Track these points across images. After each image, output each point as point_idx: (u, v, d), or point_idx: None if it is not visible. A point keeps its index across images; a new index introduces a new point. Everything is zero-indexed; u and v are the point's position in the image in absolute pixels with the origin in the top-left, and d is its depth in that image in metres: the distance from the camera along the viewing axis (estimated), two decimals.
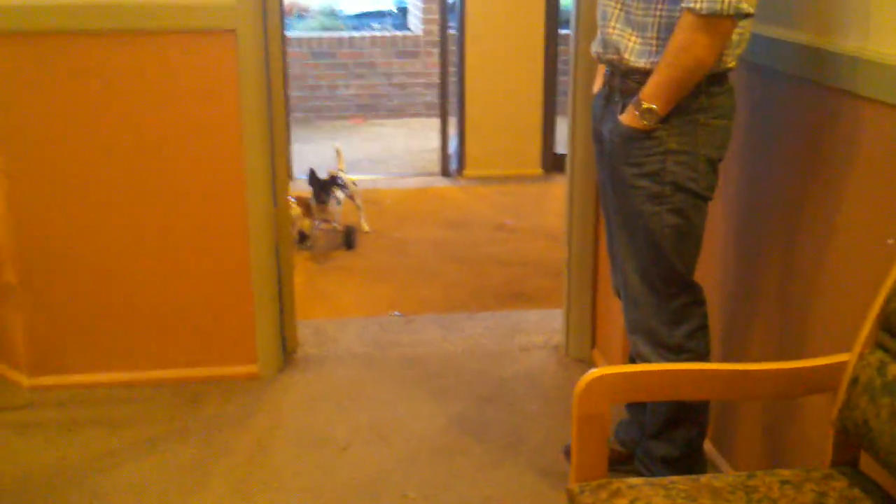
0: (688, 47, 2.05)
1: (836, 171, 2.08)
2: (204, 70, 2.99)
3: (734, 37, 2.11)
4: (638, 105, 2.15)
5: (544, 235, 4.78)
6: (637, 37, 2.17)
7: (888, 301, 1.71)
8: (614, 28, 2.22)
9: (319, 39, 7.75)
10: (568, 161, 3.30)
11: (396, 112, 7.82)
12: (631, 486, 1.72)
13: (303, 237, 4.60)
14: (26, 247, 3.04)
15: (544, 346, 3.52)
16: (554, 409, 3.05)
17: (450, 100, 6.08)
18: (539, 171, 5.95)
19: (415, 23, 8.18)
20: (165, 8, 2.91)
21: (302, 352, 3.43)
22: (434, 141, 6.23)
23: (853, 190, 2.03)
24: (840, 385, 1.77)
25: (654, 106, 2.12)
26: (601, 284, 3.29)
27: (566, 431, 2.82)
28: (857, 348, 1.76)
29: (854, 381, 1.74)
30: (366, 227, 4.82)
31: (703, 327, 2.33)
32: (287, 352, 3.37)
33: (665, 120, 2.15)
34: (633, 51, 2.18)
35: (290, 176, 5.76)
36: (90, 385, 3.13)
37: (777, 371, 1.78)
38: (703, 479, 1.74)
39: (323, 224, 4.55)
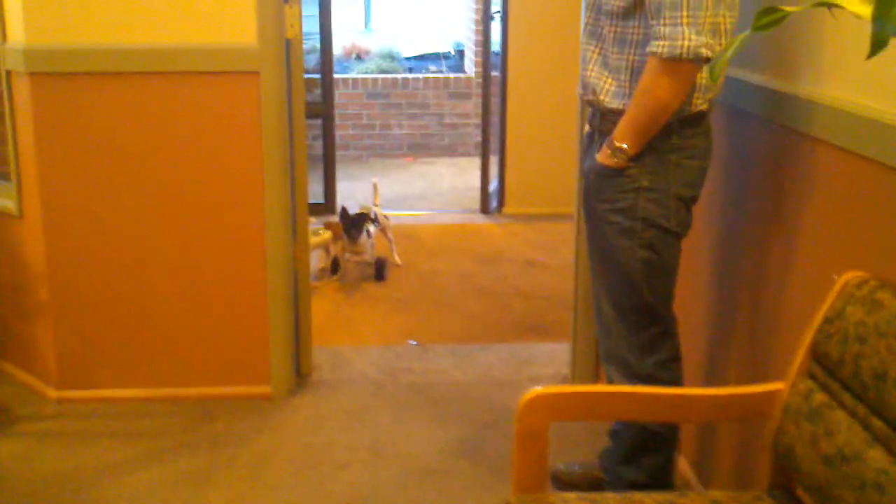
0: (651, 90, 2.16)
1: (795, 210, 2.16)
2: (229, 109, 3.19)
3: (703, 80, 2.21)
4: (610, 144, 2.26)
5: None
6: (612, 79, 2.29)
7: (818, 333, 1.79)
8: (592, 70, 2.35)
9: (375, 80, 7.98)
10: (576, 196, 3.40)
11: (447, 151, 7.99)
12: (564, 500, 1.81)
13: (335, 268, 4.77)
14: (58, 267, 3.26)
15: (553, 378, 3.60)
16: (552, 437, 3.12)
17: (492, 140, 6.23)
18: None
19: (470, 65, 8.37)
20: (193, 52, 3.12)
21: (317, 375, 3.58)
22: (479, 179, 6.37)
23: (808, 228, 2.11)
24: (773, 411, 1.84)
25: (624, 145, 2.23)
26: None
27: (558, 458, 2.90)
28: (790, 377, 1.83)
29: (786, 407, 1.81)
30: (398, 261, 4.97)
31: (675, 358, 2.41)
32: (301, 375, 3.52)
33: (638, 158, 2.25)
34: (609, 92, 2.30)
35: (333, 209, 5.98)
36: (112, 399, 3.32)
37: (711, 397, 1.86)
38: (635, 496, 1.83)
39: (355, 256, 4.71)
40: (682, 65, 2.10)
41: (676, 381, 2.40)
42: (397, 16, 13.55)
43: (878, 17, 1.06)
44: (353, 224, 4.59)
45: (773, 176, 2.28)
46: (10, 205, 3.32)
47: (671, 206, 2.28)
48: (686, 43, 2.06)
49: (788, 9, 1.25)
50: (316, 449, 3.05)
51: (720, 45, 2.11)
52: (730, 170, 2.52)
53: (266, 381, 3.37)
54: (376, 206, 5.01)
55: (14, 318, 3.48)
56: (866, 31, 1.09)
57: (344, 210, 4.64)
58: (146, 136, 3.18)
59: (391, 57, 8.89)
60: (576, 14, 2.64)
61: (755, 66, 2.36)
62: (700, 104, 2.25)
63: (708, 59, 2.12)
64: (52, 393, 3.34)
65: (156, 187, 3.22)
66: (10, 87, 3.18)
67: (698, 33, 2.05)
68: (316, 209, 5.53)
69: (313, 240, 4.47)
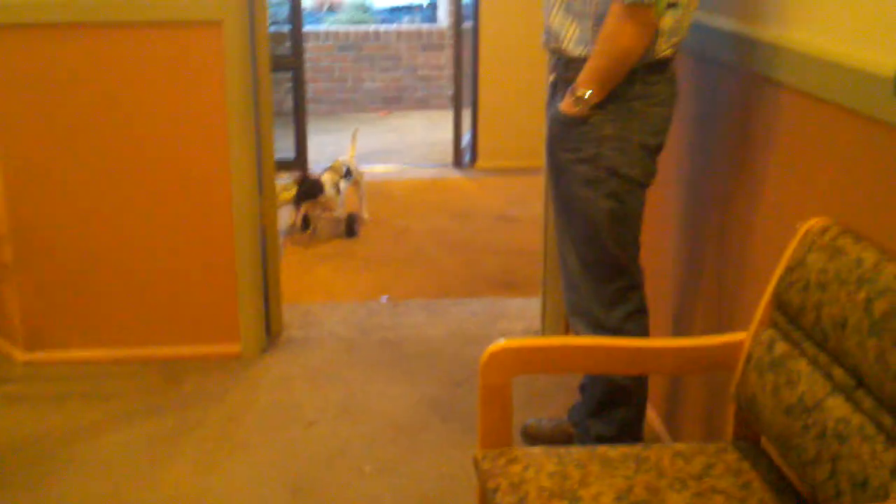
0: (614, 36, 2.12)
1: (762, 157, 2.14)
2: (191, 60, 3.11)
3: (668, 25, 2.17)
4: (573, 92, 2.22)
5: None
6: (576, 25, 2.24)
7: (780, 282, 1.77)
8: (556, 17, 2.30)
9: (347, 33, 7.87)
10: (545, 150, 3.36)
11: (420, 104, 7.92)
12: (529, 454, 1.81)
13: (305, 224, 4.73)
14: (22, 228, 3.20)
15: (524, 333, 3.60)
16: (521, 392, 3.12)
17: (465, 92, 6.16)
18: None
19: (443, 17, 8.27)
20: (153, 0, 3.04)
21: (287, 334, 3.55)
22: (452, 133, 6.32)
23: (773, 176, 2.09)
24: (737, 362, 1.84)
25: (587, 93, 2.19)
26: None
27: (529, 413, 2.91)
28: (753, 326, 1.83)
29: (748, 358, 1.81)
30: (366, 215, 4.92)
31: (640, 310, 2.39)
32: (271, 333, 3.49)
33: (601, 106, 2.21)
34: (572, 39, 2.25)
35: (304, 165, 5.92)
36: (81, 361, 3.29)
37: (674, 348, 1.85)
38: (600, 449, 1.82)
39: (325, 212, 4.67)
40: (646, 10, 2.07)
41: (643, 334, 2.39)
42: None
43: None
44: (311, 188, 4.54)
45: (739, 122, 2.26)
46: None
47: (635, 154, 2.24)
48: None
49: None
50: (286, 407, 3.04)
51: None
52: (695, 117, 2.50)
53: (235, 339, 3.35)
54: (351, 157, 4.93)
55: None
56: None
57: (303, 174, 4.63)
58: (106, 90, 3.11)
59: (364, 9, 8.75)
60: None
61: (721, 11, 2.32)
62: (664, 50, 2.21)
63: (671, 4, 2.08)
64: (20, 355, 3.31)
65: (118, 143, 3.16)
66: None
67: None
68: (287, 165, 5.47)
69: (282, 196, 4.42)
